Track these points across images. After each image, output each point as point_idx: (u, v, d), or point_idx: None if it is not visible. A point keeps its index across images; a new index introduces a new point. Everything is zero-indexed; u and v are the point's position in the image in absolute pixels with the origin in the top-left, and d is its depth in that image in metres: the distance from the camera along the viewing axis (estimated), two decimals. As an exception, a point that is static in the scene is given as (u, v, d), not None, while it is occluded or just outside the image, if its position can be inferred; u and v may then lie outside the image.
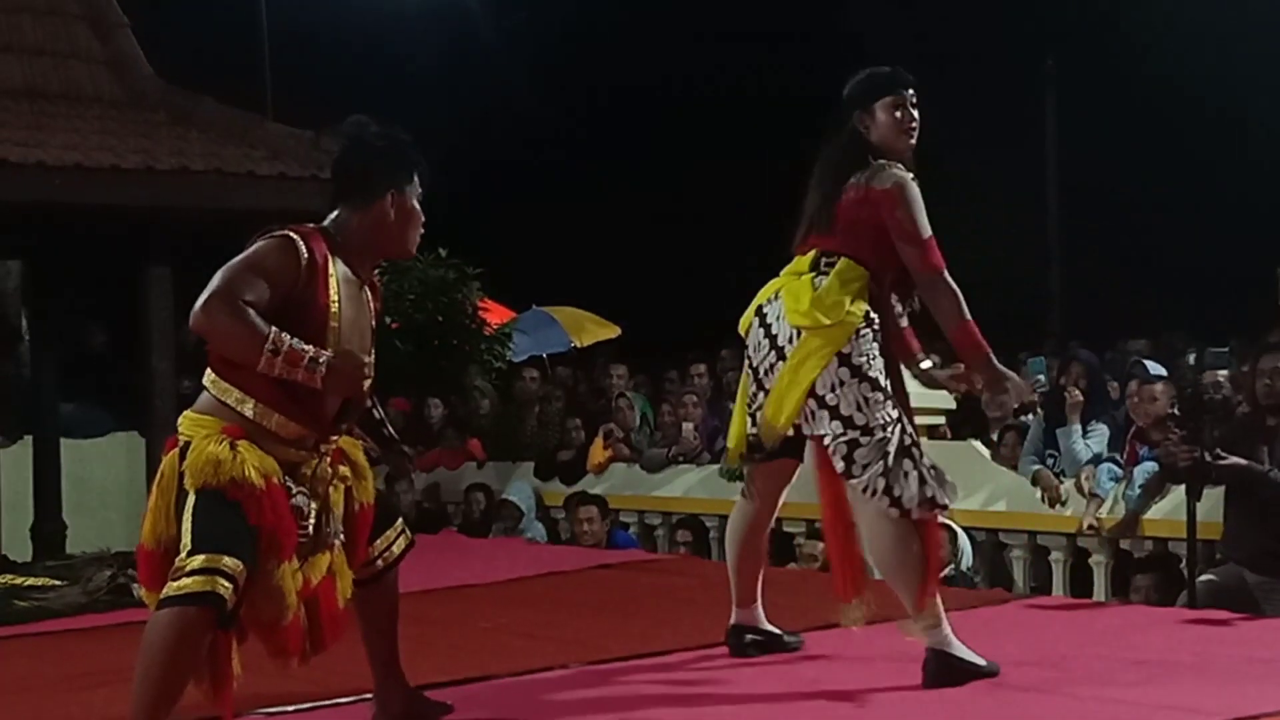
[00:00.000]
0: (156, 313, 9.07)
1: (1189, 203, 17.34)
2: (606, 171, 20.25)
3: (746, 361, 4.70)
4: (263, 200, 8.72)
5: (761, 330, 4.60)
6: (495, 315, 13.60)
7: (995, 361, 4.52)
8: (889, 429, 4.39)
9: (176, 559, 3.57)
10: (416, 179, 3.93)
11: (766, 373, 4.58)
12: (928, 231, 4.45)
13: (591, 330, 16.09)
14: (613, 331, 16.13)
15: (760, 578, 4.89)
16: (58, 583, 6.73)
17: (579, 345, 15.67)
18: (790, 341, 4.49)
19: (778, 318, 4.55)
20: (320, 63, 17.94)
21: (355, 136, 3.93)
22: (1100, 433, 7.60)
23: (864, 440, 4.39)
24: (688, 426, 9.41)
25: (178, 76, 10.05)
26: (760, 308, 4.63)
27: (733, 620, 4.91)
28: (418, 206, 3.95)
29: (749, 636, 4.88)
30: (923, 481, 4.40)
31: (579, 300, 16.55)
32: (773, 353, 4.55)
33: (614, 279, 17.65)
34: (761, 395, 4.59)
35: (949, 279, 4.46)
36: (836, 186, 4.53)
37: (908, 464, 4.39)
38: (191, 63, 11.16)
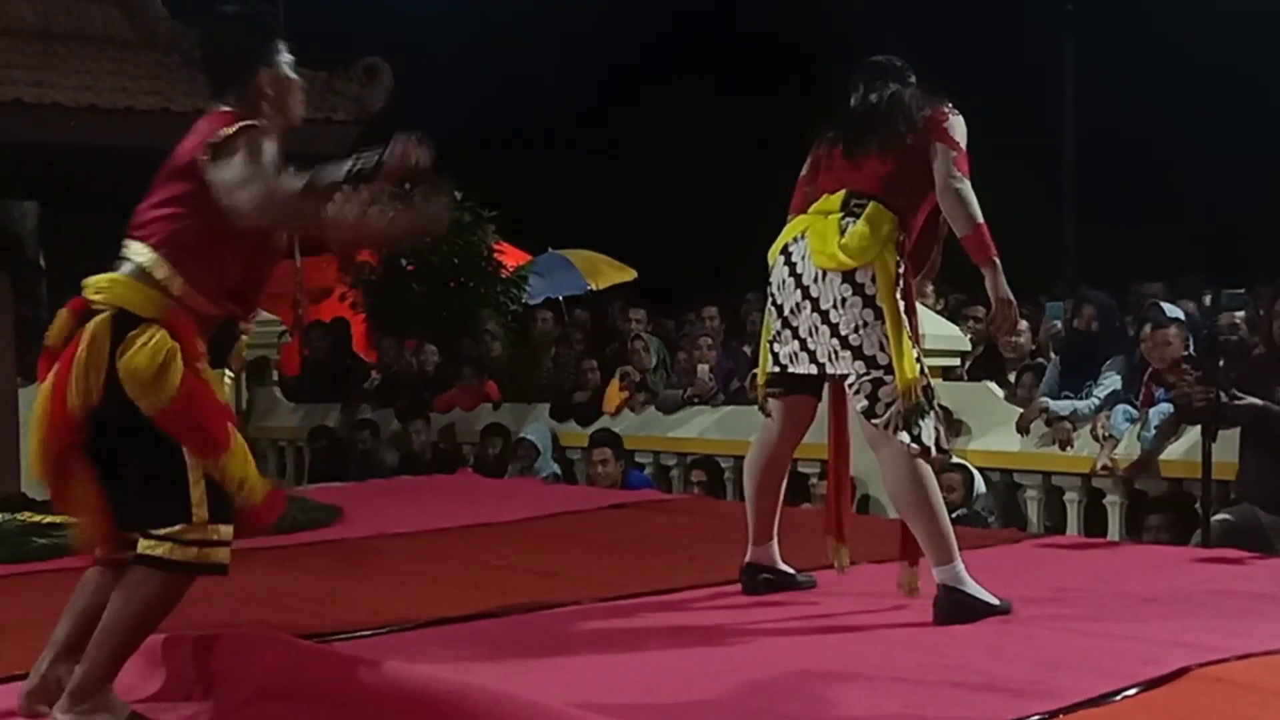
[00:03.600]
0: (172, 253, 9.06)
1: (1207, 145, 17.22)
2: (622, 114, 20.17)
3: (770, 298, 4.72)
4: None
5: (786, 268, 4.63)
6: (511, 258, 13.61)
7: (1001, 275, 4.52)
8: (922, 377, 4.45)
9: (194, 520, 3.51)
10: (281, 46, 3.80)
11: (793, 311, 4.61)
12: (964, 148, 4.52)
13: (608, 273, 16.09)
14: (629, 275, 16.12)
15: (777, 515, 4.92)
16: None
17: (595, 288, 15.68)
18: (815, 281, 4.53)
19: (803, 257, 4.57)
20: (332, 5, 17.87)
21: (208, 24, 3.86)
22: (1113, 373, 7.58)
23: (887, 379, 4.45)
24: (703, 368, 9.42)
25: (191, 17, 10.02)
26: (786, 246, 4.66)
27: (747, 558, 4.93)
28: (291, 74, 3.82)
29: (762, 575, 4.91)
30: (937, 423, 4.46)
31: (595, 243, 16.54)
32: (798, 291, 4.59)
33: (630, 222, 17.61)
34: (787, 332, 4.63)
35: (969, 188, 4.48)
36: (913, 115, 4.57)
37: (926, 404, 4.45)
38: (204, 5, 11.12)
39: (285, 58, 3.81)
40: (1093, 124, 19.52)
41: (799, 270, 4.59)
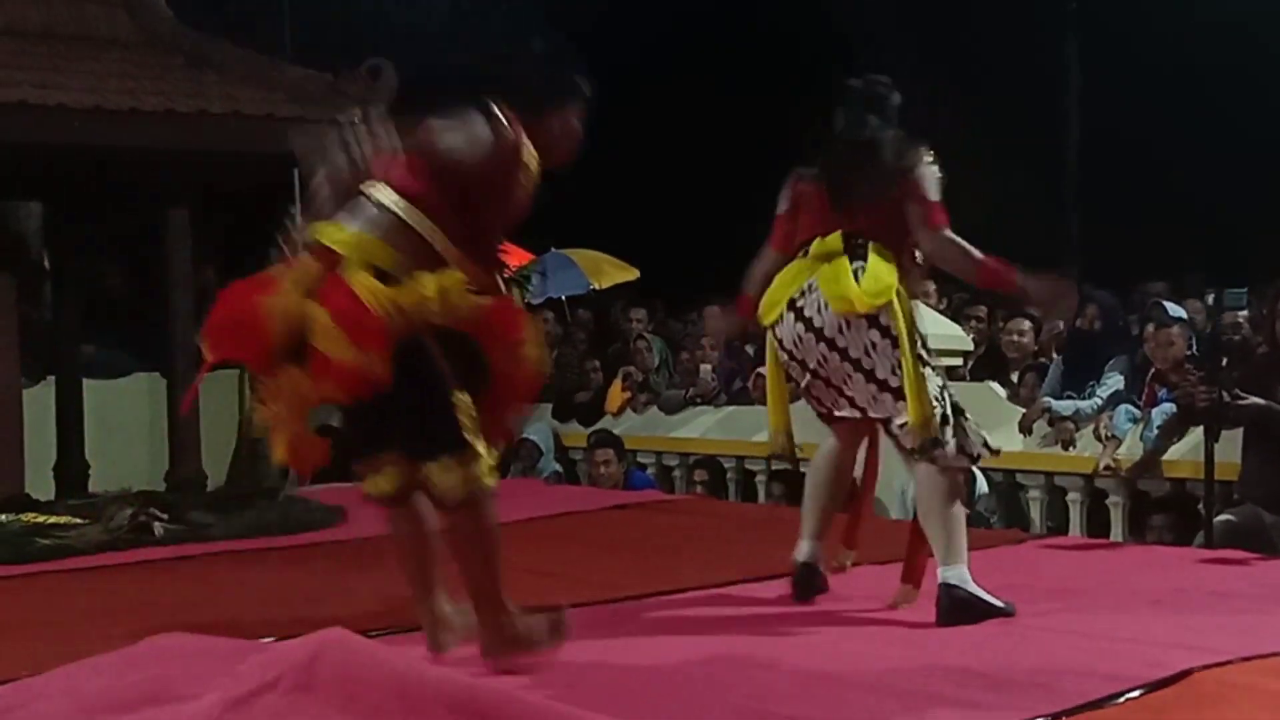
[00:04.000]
0: (176, 254, 9.07)
1: (1208, 145, 17.21)
2: (622, 114, 20.12)
3: (786, 353, 4.66)
4: (282, 143, 8.66)
5: (800, 324, 4.58)
6: (514, 257, 13.59)
7: (1029, 278, 4.54)
8: (942, 397, 4.49)
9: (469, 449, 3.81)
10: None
11: (820, 364, 4.57)
12: (936, 196, 4.53)
13: (610, 273, 16.05)
14: (631, 274, 16.10)
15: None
16: (80, 521, 6.78)
17: (597, 288, 15.66)
18: (841, 332, 4.49)
19: (818, 310, 4.54)
20: (337, 4, 17.86)
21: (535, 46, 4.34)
22: (1115, 373, 7.59)
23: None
24: (705, 368, 9.43)
25: (194, 18, 10.02)
26: (793, 300, 4.60)
27: (805, 557, 4.80)
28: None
29: (819, 577, 4.83)
30: (962, 433, 4.51)
31: (597, 243, 16.52)
32: (821, 345, 4.54)
33: (632, 222, 17.59)
34: (819, 383, 4.60)
35: (951, 233, 4.52)
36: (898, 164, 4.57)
37: (962, 420, 4.51)
38: (208, 4, 11.13)
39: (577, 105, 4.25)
40: (1095, 124, 19.49)
41: (816, 324, 4.54)
